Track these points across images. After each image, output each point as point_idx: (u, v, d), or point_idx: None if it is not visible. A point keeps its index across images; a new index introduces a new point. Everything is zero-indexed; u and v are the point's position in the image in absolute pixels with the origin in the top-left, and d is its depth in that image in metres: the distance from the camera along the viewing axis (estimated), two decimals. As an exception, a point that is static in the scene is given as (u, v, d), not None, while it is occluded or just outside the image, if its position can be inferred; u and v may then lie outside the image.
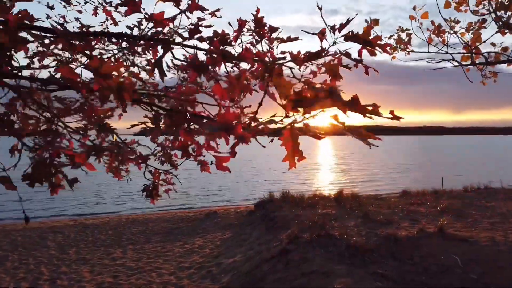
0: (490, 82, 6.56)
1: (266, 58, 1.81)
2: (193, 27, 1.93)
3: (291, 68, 2.28)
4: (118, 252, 10.78)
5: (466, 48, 5.72)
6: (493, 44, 5.90)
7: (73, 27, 3.60)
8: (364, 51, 1.69)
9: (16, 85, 2.03)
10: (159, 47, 2.03)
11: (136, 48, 2.86)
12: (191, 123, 1.55)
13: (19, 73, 1.91)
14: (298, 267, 6.18)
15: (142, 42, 2.05)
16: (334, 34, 1.67)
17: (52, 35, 1.86)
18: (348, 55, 1.66)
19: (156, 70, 1.61)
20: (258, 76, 1.81)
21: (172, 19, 1.89)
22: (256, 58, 1.75)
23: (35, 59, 3.00)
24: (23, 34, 1.76)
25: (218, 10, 2.42)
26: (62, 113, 2.13)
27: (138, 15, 1.86)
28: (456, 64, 5.53)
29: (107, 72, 1.22)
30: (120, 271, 9.04)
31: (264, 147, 1.47)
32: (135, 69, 3.48)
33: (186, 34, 1.94)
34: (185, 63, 2.34)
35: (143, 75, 3.48)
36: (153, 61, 3.02)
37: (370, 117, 1.08)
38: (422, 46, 6.29)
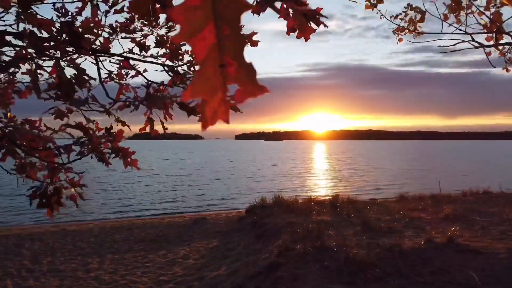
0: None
1: None
2: None
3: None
4: (95, 262, 9.62)
5: (486, 28, 4.71)
6: (518, 23, 4.93)
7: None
8: None
9: None
10: None
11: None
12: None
13: None
14: (289, 286, 5.08)
15: None
16: None
17: None
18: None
19: None
20: None
21: None
22: None
23: None
24: None
25: None
26: None
27: None
28: (477, 45, 4.50)
29: None
30: (91, 285, 7.89)
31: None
32: None
33: None
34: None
35: None
36: None
37: None
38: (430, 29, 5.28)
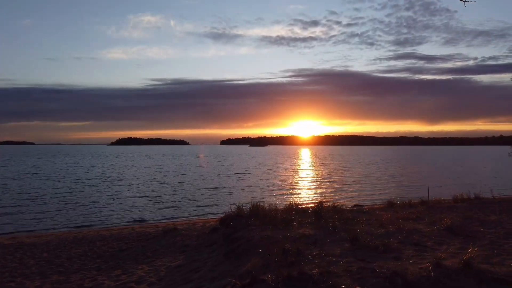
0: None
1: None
2: None
3: None
4: (32, 287, 7.66)
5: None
6: None
7: None
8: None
9: None
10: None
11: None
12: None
13: None
14: None
15: None
16: None
17: None
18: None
19: None
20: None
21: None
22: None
23: None
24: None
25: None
26: None
27: None
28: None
29: None
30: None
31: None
32: None
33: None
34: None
35: None
36: None
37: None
38: None
